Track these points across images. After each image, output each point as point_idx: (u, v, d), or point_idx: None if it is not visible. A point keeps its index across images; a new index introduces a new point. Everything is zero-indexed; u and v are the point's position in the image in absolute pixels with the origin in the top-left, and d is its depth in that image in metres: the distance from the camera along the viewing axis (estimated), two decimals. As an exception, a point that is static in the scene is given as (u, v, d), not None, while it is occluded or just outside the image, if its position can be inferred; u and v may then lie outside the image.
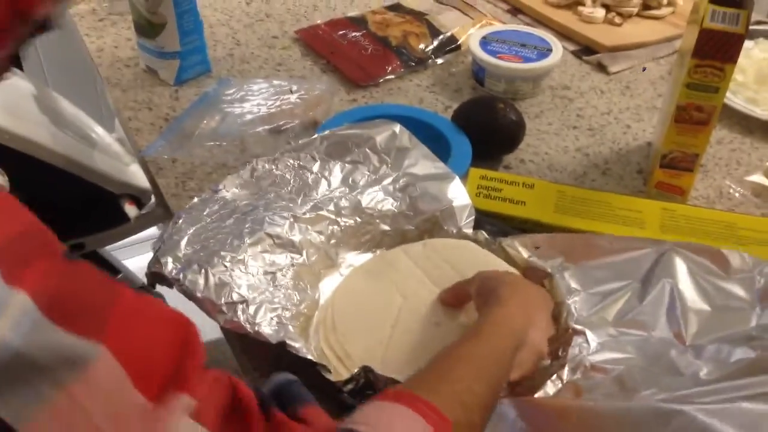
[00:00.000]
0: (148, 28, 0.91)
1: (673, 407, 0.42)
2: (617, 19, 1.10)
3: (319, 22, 1.08)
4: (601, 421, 0.47)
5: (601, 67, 1.03)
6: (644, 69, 1.03)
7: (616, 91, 0.99)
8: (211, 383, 0.38)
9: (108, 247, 1.35)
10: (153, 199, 1.21)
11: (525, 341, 0.54)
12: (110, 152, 1.17)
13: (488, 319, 0.55)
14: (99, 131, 1.15)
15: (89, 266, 0.37)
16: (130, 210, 1.19)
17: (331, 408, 0.55)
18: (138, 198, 1.24)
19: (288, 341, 0.57)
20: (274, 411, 0.40)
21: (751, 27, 1.06)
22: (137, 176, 1.27)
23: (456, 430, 0.44)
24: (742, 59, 0.97)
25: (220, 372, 0.40)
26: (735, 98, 0.93)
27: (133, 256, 1.54)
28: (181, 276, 0.61)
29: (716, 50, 0.69)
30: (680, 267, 0.61)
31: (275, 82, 0.94)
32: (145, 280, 0.73)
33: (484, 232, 0.67)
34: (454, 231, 0.68)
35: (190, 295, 0.61)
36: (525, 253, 0.65)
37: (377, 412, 0.44)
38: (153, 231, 1.56)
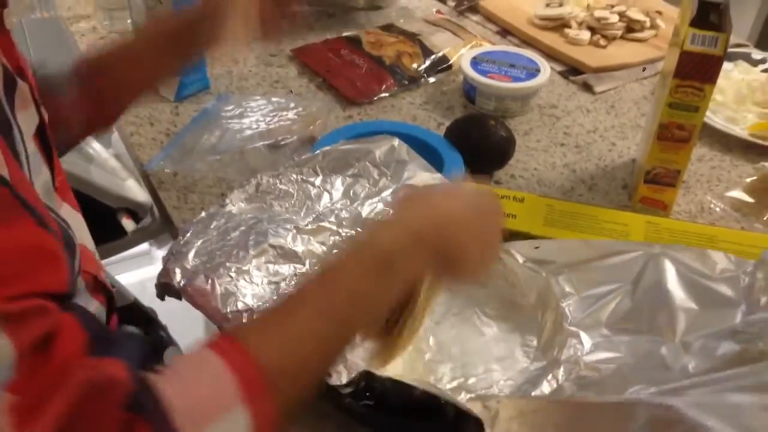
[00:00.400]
0: (150, 46, 0.93)
1: (662, 401, 0.45)
2: (602, 42, 1.14)
3: (314, 41, 1.12)
4: (594, 415, 0.50)
5: (587, 87, 1.07)
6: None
7: (602, 110, 1.03)
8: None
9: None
10: (155, 212, 1.23)
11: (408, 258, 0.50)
12: (107, 167, 1.20)
13: (346, 249, 0.52)
14: (96, 147, 1.17)
15: None
16: (127, 224, 1.21)
17: (333, 410, 0.58)
18: (135, 212, 1.26)
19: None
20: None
21: (730, 50, 1.11)
22: (134, 191, 1.29)
23: (279, 377, 0.43)
24: (721, 80, 1.02)
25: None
26: (715, 117, 0.98)
27: (125, 272, 1.56)
28: (189, 286, 0.63)
29: (696, 71, 0.73)
30: (669, 268, 0.65)
31: (273, 99, 0.97)
32: (135, 295, 0.76)
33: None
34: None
35: (197, 304, 0.63)
36: (520, 258, 0.68)
37: (187, 363, 0.44)
38: (144, 247, 1.58)
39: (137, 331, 0.47)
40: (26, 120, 0.49)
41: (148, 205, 1.34)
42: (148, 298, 0.73)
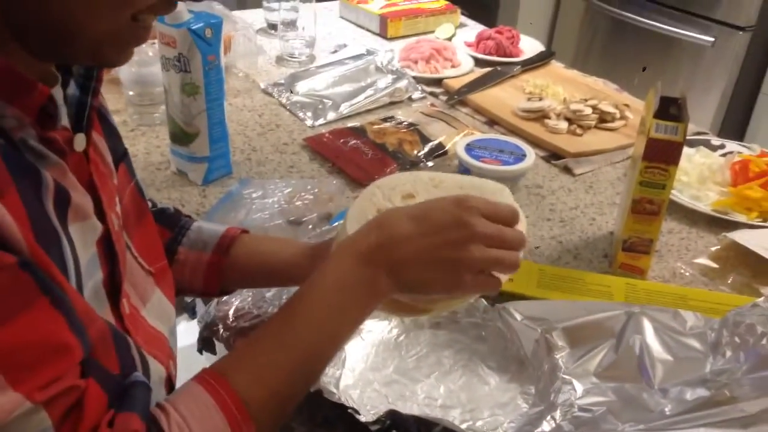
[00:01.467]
0: (182, 137, 1.05)
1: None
2: (578, 131, 1.28)
3: (323, 131, 1.25)
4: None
5: (568, 170, 1.20)
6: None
7: (581, 190, 1.15)
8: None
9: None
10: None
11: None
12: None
13: (309, 280, 0.58)
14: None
15: None
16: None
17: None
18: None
19: (323, 389, 0.68)
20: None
21: (692, 137, 1.26)
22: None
23: (258, 410, 0.53)
24: (685, 163, 1.16)
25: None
26: (681, 195, 1.11)
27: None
28: (232, 340, 0.73)
29: (661, 155, 0.86)
30: (647, 326, 0.75)
31: (291, 181, 1.08)
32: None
33: (483, 300, 0.80)
34: (460, 299, 0.81)
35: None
36: (518, 317, 0.78)
37: (185, 403, 0.52)
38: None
39: (141, 377, 0.56)
40: (83, 230, 0.53)
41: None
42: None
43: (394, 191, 0.68)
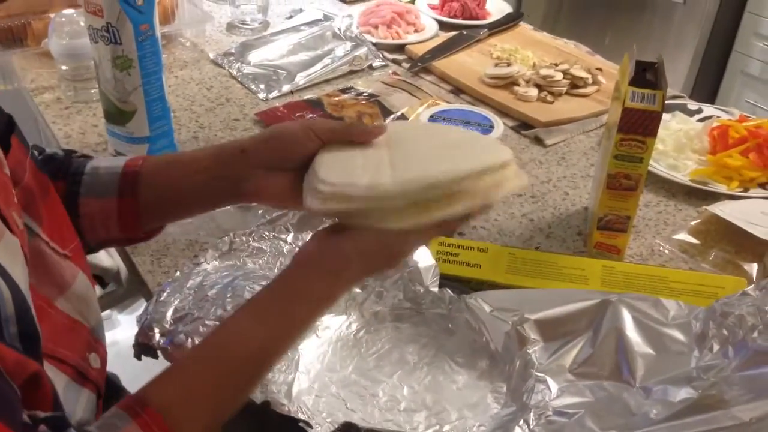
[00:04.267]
0: (118, 116, 0.96)
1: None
2: (549, 98, 1.21)
3: (277, 105, 1.16)
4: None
5: (538, 140, 1.13)
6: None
7: (553, 162, 1.09)
8: None
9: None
10: (121, 278, 1.23)
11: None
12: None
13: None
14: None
15: None
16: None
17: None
18: (101, 277, 1.26)
19: (272, 400, 0.61)
20: None
21: (668, 102, 1.19)
22: (100, 257, 1.29)
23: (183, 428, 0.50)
24: (661, 131, 1.09)
25: None
26: (658, 165, 1.04)
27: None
28: (168, 345, 0.65)
29: (638, 126, 0.79)
30: (626, 316, 0.68)
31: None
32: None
33: (449, 290, 0.74)
34: (422, 290, 0.74)
35: (176, 363, 0.64)
36: (487, 308, 0.71)
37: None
38: (106, 312, 1.56)
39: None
40: (5, 248, 0.49)
41: (113, 270, 1.34)
42: (110, 362, 0.73)
43: None
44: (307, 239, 0.63)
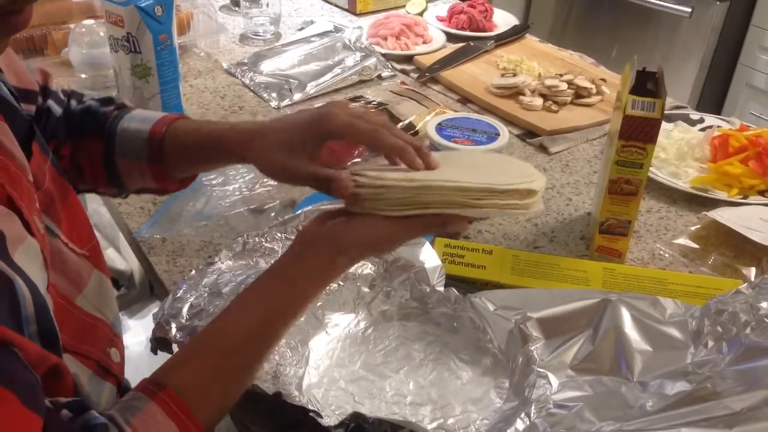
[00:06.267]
0: (136, 121, 0.99)
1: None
2: (554, 107, 1.24)
3: (289, 112, 1.19)
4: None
5: (543, 148, 1.16)
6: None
7: (557, 169, 1.11)
8: None
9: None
10: (135, 280, 1.26)
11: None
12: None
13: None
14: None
15: None
16: (109, 291, 1.24)
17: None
18: (115, 280, 1.29)
19: (284, 391, 0.64)
20: None
21: (670, 111, 1.22)
22: (114, 259, 1.33)
23: (200, 409, 0.53)
24: (663, 139, 1.12)
25: None
26: (660, 173, 1.07)
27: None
28: (185, 339, 0.68)
29: (638, 133, 0.82)
30: (625, 314, 0.71)
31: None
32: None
33: (454, 290, 0.76)
34: (428, 290, 0.76)
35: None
36: (491, 307, 0.74)
37: (141, 420, 0.51)
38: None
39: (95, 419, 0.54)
40: (27, 252, 0.51)
41: (127, 273, 1.37)
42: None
43: None
44: (312, 219, 0.65)
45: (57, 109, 0.76)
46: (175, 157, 0.74)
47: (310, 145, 0.66)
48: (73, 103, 0.78)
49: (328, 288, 0.76)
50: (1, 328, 0.44)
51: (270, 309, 0.59)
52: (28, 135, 0.61)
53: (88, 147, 0.76)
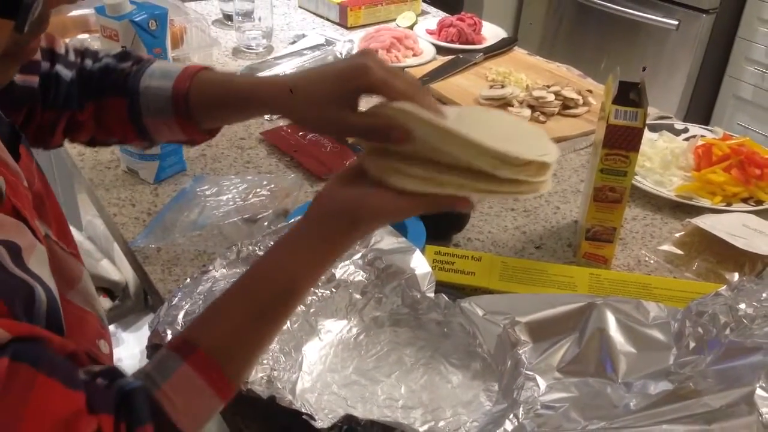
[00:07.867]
0: (131, 133, 1.01)
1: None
2: (541, 118, 1.27)
3: (281, 124, 1.21)
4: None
5: (531, 158, 1.18)
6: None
7: (545, 178, 1.13)
8: None
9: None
10: (129, 291, 1.27)
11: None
12: (82, 249, 1.24)
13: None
14: (70, 230, 1.23)
15: None
16: (104, 302, 1.24)
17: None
18: (111, 291, 1.31)
19: (277, 395, 0.65)
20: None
21: (655, 121, 1.25)
22: (108, 270, 1.34)
23: (229, 368, 0.56)
24: (648, 148, 1.15)
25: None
26: (645, 181, 1.09)
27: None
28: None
29: (621, 141, 0.84)
30: (610, 317, 0.73)
31: (247, 177, 1.04)
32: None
33: (445, 296, 0.78)
34: (419, 296, 0.78)
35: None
36: (480, 312, 0.76)
37: (175, 384, 0.53)
38: (111, 329, 1.61)
39: (131, 383, 0.56)
40: (38, 258, 0.53)
41: (122, 284, 1.39)
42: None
43: None
44: (328, 183, 0.64)
45: (66, 74, 0.76)
46: (202, 111, 0.74)
47: (350, 97, 0.63)
48: (89, 62, 0.78)
49: (320, 295, 0.78)
50: (29, 326, 0.47)
51: (294, 270, 0.59)
52: (13, 138, 0.62)
53: (113, 105, 0.75)
